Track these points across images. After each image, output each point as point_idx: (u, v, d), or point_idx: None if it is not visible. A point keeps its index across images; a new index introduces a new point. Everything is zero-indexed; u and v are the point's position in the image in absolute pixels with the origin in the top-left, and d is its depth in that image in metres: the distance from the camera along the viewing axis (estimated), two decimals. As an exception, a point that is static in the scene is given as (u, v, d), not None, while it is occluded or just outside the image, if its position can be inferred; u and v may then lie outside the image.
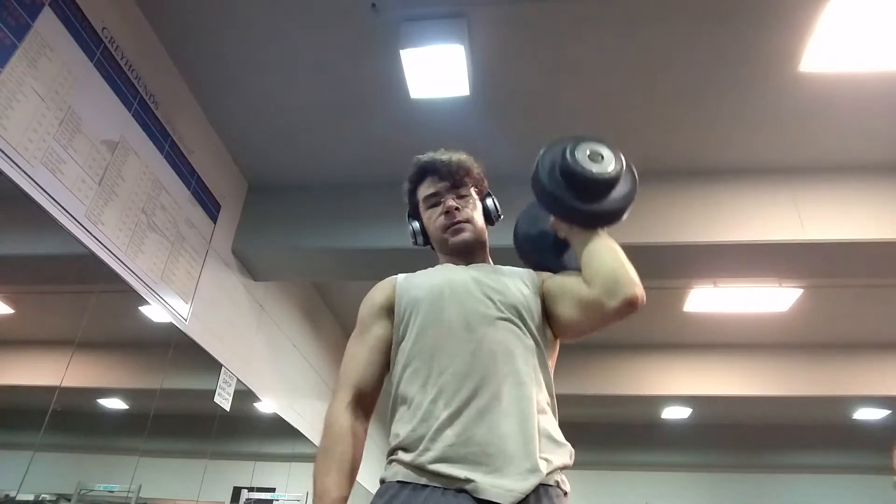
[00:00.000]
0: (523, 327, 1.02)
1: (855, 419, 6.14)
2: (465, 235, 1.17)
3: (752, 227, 3.12)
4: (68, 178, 2.11)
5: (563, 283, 1.07)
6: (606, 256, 1.00)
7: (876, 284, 4.10)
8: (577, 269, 1.05)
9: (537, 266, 1.18)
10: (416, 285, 1.10)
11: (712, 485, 6.80)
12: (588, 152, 1.01)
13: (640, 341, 5.25)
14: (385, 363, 1.07)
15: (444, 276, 1.11)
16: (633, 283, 0.96)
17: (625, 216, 1.05)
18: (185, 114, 2.88)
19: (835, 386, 5.01)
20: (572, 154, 1.00)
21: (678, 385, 5.24)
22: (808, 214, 3.10)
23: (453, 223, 1.17)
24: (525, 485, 0.85)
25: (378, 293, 1.13)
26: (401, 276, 1.15)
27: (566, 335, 1.08)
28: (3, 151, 1.84)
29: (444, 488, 0.86)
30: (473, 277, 1.09)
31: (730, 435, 6.70)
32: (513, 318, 1.02)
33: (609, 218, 1.04)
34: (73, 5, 2.13)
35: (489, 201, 1.25)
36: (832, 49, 2.48)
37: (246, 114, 3.06)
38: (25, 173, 1.92)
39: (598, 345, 5.29)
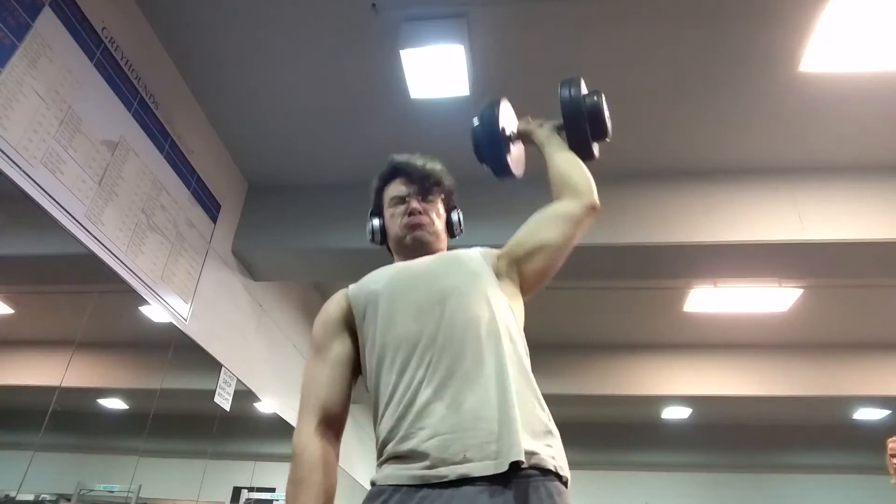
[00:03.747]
0: (489, 291, 1.02)
1: (855, 419, 6.14)
2: (423, 234, 1.17)
3: (752, 227, 3.12)
4: (68, 178, 2.11)
5: (529, 224, 1.14)
6: (579, 164, 1.21)
7: (876, 284, 4.10)
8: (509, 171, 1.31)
9: (487, 157, 1.31)
10: (371, 281, 1.09)
11: (712, 485, 6.80)
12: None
13: (640, 341, 5.25)
14: (349, 379, 1.03)
15: (399, 266, 1.12)
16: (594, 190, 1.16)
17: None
18: (185, 114, 2.88)
19: (835, 386, 5.01)
20: (600, 97, 1.28)
21: (678, 385, 5.24)
22: (808, 214, 3.10)
23: (414, 223, 1.17)
24: (517, 451, 0.81)
25: (331, 307, 1.10)
26: (351, 286, 1.12)
27: (545, 266, 1.09)
28: (3, 151, 1.84)
29: (441, 487, 0.81)
30: (430, 260, 1.11)
31: (730, 435, 6.70)
32: (476, 285, 1.02)
33: (590, 146, 1.29)
34: (73, 5, 2.13)
35: (454, 215, 1.26)
36: (832, 49, 2.48)
37: (246, 114, 3.06)
38: (25, 173, 1.92)
39: (599, 345, 5.29)
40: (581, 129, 1.26)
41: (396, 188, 1.22)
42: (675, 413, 6.28)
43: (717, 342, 5.14)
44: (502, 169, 1.32)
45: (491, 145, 1.30)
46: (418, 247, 1.17)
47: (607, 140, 1.29)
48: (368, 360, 1.01)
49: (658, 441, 6.84)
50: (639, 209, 3.20)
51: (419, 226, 1.17)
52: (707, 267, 3.41)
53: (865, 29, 2.37)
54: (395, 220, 1.20)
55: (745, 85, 2.73)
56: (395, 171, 1.24)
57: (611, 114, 1.29)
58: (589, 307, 4.64)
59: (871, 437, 6.02)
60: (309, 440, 0.96)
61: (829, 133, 2.99)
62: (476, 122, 1.34)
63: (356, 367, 1.05)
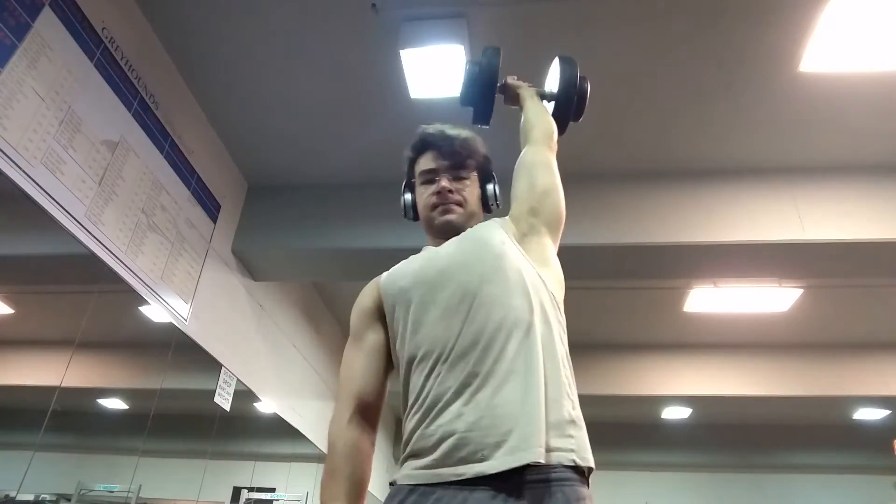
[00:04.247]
0: (520, 267, 0.99)
1: (855, 419, 6.13)
2: (452, 217, 1.12)
3: (752, 227, 3.12)
4: (68, 178, 2.11)
5: (521, 179, 1.18)
6: (550, 117, 1.34)
7: (876, 284, 4.10)
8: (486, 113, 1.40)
9: (477, 101, 1.39)
10: (399, 276, 1.06)
11: (712, 485, 6.80)
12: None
13: (641, 341, 5.25)
14: (384, 368, 1.03)
15: (425, 257, 1.08)
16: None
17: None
18: (185, 114, 2.88)
19: (835, 386, 5.01)
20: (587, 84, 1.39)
21: (678, 385, 5.24)
22: (808, 214, 3.10)
23: (442, 203, 1.13)
24: (535, 452, 0.79)
25: (365, 297, 1.09)
26: (383, 275, 1.10)
27: (558, 202, 1.15)
28: (3, 151, 1.84)
29: (458, 486, 0.80)
30: (454, 248, 1.06)
31: (730, 435, 6.69)
32: (504, 268, 0.98)
33: (569, 121, 1.40)
34: (73, 5, 2.13)
35: (490, 187, 1.21)
36: (832, 49, 2.48)
37: (246, 114, 3.06)
38: (25, 173, 1.92)
39: (599, 345, 5.29)
40: (570, 105, 1.36)
41: (427, 162, 1.18)
42: (675, 413, 6.27)
43: (717, 342, 5.14)
44: (486, 116, 1.40)
45: (485, 91, 1.37)
46: (449, 229, 1.12)
47: (577, 122, 1.40)
48: (398, 355, 1.00)
49: (658, 441, 6.84)
50: (639, 209, 3.20)
51: (449, 210, 1.13)
52: (707, 267, 3.41)
53: (865, 29, 2.37)
54: (424, 198, 1.16)
55: (745, 85, 2.73)
56: (426, 144, 1.19)
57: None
58: (589, 307, 4.64)
59: (871, 437, 6.05)
60: (342, 429, 0.95)
61: (829, 133, 2.99)
62: (474, 65, 1.39)
63: (391, 356, 1.04)
